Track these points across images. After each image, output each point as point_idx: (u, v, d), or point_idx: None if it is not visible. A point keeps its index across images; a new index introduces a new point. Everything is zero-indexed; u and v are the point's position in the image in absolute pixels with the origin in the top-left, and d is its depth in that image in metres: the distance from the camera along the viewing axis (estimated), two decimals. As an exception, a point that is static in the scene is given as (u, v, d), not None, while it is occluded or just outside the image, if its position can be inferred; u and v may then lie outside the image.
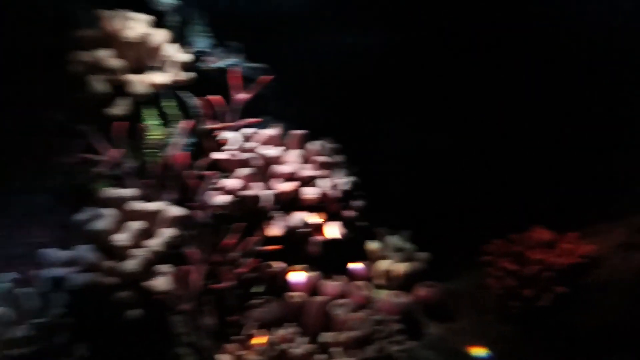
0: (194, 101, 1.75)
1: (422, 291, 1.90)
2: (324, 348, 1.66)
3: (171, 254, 1.62)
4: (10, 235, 1.56)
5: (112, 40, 1.60)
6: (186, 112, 1.75)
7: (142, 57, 1.64)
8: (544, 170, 2.11)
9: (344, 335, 1.66)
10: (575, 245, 1.88)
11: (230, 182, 1.72)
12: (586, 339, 1.71)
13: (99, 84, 1.57)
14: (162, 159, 1.66)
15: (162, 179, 1.66)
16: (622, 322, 1.64)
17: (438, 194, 2.16)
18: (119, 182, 1.61)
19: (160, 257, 1.57)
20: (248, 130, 1.78)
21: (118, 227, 1.53)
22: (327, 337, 1.68)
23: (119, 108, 1.60)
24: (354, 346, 1.65)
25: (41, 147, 1.56)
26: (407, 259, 1.98)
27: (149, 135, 1.64)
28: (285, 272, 1.81)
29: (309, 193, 1.78)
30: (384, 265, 1.94)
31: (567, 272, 1.81)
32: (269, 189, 1.76)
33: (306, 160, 1.82)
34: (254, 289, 1.80)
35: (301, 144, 1.85)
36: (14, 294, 1.45)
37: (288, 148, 1.84)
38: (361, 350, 1.63)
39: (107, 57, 1.56)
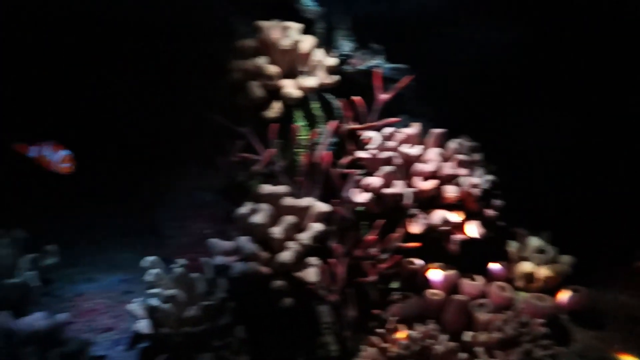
0: (337, 102, 1.84)
1: (567, 296, 1.82)
2: (466, 347, 1.67)
3: (318, 247, 1.73)
4: (181, 227, 1.76)
5: (268, 48, 1.73)
6: (330, 113, 1.84)
7: (294, 62, 1.75)
8: None
9: (487, 336, 1.65)
10: None
11: (372, 180, 1.79)
12: None
13: (256, 89, 1.71)
14: (309, 157, 1.76)
15: (309, 177, 1.77)
16: None
17: (582, 193, 2.05)
18: (273, 180, 1.75)
19: (309, 250, 1.68)
20: (388, 130, 1.83)
21: (273, 221, 1.66)
22: (468, 336, 1.69)
23: (274, 111, 1.74)
24: (498, 347, 1.63)
25: (207, 148, 1.74)
26: (549, 261, 1.91)
27: (299, 136, 1.75)
28: (424, 269, 1.84)
29: (450, 191, 1.79)
30: (525, 267, 1.89)
31: None
32: (410, 187, 1.80)
33: (446, 158, 1.83)
34: (392, 285, 1.86)
35: (440, 142, 1.86)
36: (186, 278, 1.64)
37: (427, 146, 1.86)
38: (506, 352, 1.61)
39: (265, 64, 1.70)
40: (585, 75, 2.08)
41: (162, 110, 1.85)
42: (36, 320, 1.47)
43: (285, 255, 1.62)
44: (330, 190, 1.80)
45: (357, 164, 1.88)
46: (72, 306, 1.61)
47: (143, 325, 1.58)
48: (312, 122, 1.84)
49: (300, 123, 1.82)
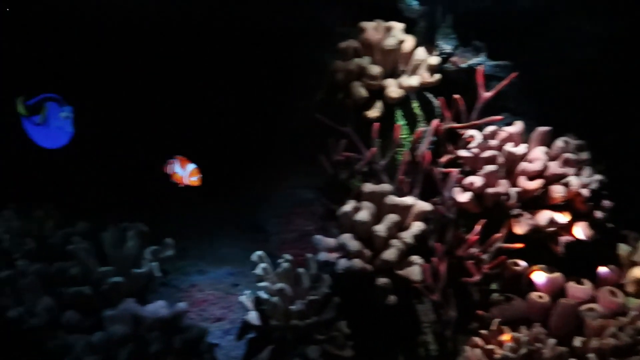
0: (437, 101, 1.83)
1: (686, 304, 1.71)
2: (575, 353, 1.61)
3: (419, 246, 1.73)
4: (284, 224, 1.82)
5: (370, 49, 1.76)
6: (430, 112, 1.84)
7: (396, 62, 1.77)
8: None
9: (600, 342, 1.58)
10: None
11: (474, 179, 1.76)
12: None
13: (359, 89, 1.74)
14: (410, 156, 1.77)
15: (410, 176, 1.77)
16: None
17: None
18: (374, 178, 1.77)
19: (411, 248, 1.69)
20: (490, 128, 1.80)
21: (376, 219, 1.69)
22: (579, 341, 1.63)
23: (375, 111, 1.76)
24: (613, 355, 1.56)
25: (309, 148, 1.80)
26: (664, 266, 1.80)
27: (401, 135, 1.76)
28: (527, 271, 1.80)
29: (557, 191, 1.73)
30: (637, 272, 1.79)
31: None
32: (513, 186, 1.76)
33: (552, 157, 1.77)
34: (494, 286, 1.82)
35: (545, 140, 1.81)
36: (292, 272, 1.70)
37: (531, 145, 1.81)
38: (621, 360, 1.54)
39: (368, 64, 1.73)
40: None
41: (268, 112, 1.92)
42: (158, 308, 1.58)
43: (390, 253, 1.63)
44: (430, 189, 1.80)
45: (455, 162, 1.87)
46: (187, 296, 1.72)
47: (253, 317, 1.66)
48: (412, 122, 1.84)
49: (401, 122, 1.83)
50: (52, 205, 1.79)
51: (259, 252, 1.70)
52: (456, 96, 1.82)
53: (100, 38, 1.84)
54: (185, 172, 1.54)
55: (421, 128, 1.76)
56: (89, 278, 1.60)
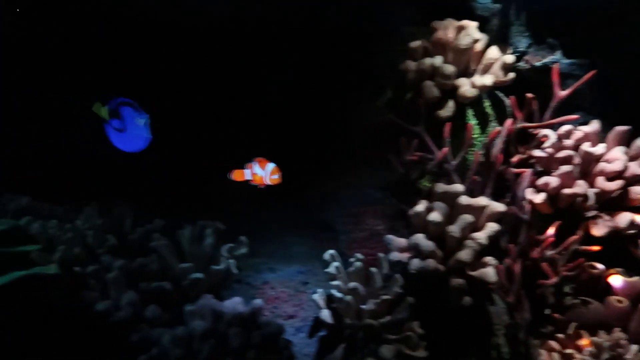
0: (508, 100, 1.80)
1: None
2: (660, 360, 1.55)
3: (492, 247, 1.71)
4: (353, 223, 1.83)
5: (442, 48, 1.75)
6: (502, 111, 1.82)
7: (469, 61, 1.75)
8: None
9: (686, 349, 1.53)
10: None
11: (550, 180, 1.73)
12: None
13: (432, 89, 1.73)
14: (482, 156, 1.75)
15: (482, 176, 1.75)
16: None
17: None
18: (444, 178, 1.76)
19: (485, 249, 1.67)
20: (565, 128, 1.76)
21: (449, 220, 1.67)
22: (663, 349, 1.57)
23: (447, 110, 1.75)
24: (701, 363, 1.50)
25: (378, 147, 1.81)
26: None
27: (473, 135, 1.75)
28: (605, 274, 1.75)
29: (638, 193, 1.68)
30: None
31: None
32: (590, 187, 1.71)
33: (632, 157, 1.72)
34: (569, 289, 1.78)
35: (624, 140, 1.76)
36: (364, 271, 1.71)
37: (609, 145, 1.76)
38: None
39: (442, 64, 1.72)
40: None
41: (336, 111, 1.94)
42: (235, 304, 1.62)
43: (465, 254, 1.62)
44: (504, 189, 1.78)
45: (527, 163, 1.84)
46: (260, 293, 1.76)
47: (325, 315, 1.67)
48: (483, 121, 1.82)
49: (472, 122, 1.81)
50: (129, 203, 1.86)
51: (331, 251, 1.71)
52: (529, 95, 1.79)
53: (174, 41, 1.90)
54: (266, 172, 1.56)
55: (497, 128, 1.73)
56: (168, 274, 1.66)
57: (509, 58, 1.73)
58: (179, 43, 1.89)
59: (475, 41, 1.71)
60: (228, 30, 1.91)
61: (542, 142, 1.76)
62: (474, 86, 1.73)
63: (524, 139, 1.85)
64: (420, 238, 1.69)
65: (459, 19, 1.79)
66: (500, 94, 1.84)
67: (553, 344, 1.66)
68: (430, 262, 1.64)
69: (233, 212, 1.89)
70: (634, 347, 1.56)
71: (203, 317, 1.60)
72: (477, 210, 1.69)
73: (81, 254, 1.64)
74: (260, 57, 1.95)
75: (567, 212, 1.77)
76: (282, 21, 1.90)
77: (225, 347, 1.48)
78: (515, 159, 1.82)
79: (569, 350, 1.61)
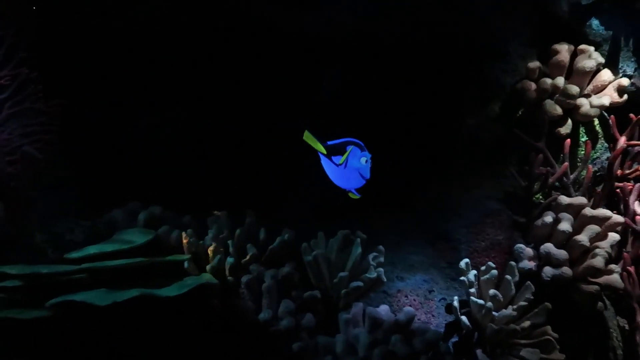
0: (610, 119, 1.95)
1: None
2: None
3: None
4: (475, 233, 1.92)
5: (560, 69, 1.88)
6: (607, 129, 1.96)
7: (585, 82, 1.89)
8: None
9: None
10: None
11: (653, 194, 1.89)
12: None
13: (554, 107, 1.86)
14: (596, 171, 1.89)
15: (598, 189, 1.89)
16: None
17: None
18: (563, 192, 1.88)
19: (610, 257, 1.79)
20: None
21: (574, 230, 1.79)
22: None
23: (567, 127, 1.88)
24: None
25: (497, 160, 1.93)
26: None
27: (589, 151, 1.88)
28: None
29: None
30: None
31: None
32: (695, 201, 1.88)
33: None
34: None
35: None
36: (496, 279, 1.79)
37: None
38: None
39: (565, 84, 1.85)
40: None
41: (454, 123, 2.04)
42: (384, 311, 1.66)
43: (598, 261, 1.74)
44: (617, 202, 1.92)
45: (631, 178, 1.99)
46: (395, 301, 1.80)
47: (465, 321, 1.74)
48: (593, 138, 1.97)
49: (585, 139, 1.95)
50: (254, 212, 1.86)
51: (466, 260, 1.79)
52: (632, 116, 1.95)
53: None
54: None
55: (620, 146, 1.87)
56: (320, 283, 1.68)
57: (625, 81, 1.88)
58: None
59: (599, 64, 1.85)
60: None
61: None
62: (592, 106, 1.87)
63: (625, 155, 2.01)
64: (551, 247, 1.80)
65: (572, 42, 1.93)
66: (605, 113, 1.99)
67: (667, 344, 1.81)
68: (565, 270, 1.75)
69: (349, 220, 1.94)
70: None
71: (357, 324, 1.64)
72: (602, 221, 1.82)
73: (234, 264, 1.63)
74: (377, 73, 2.03)
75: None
76: (394, 37, 1.99)
77: (393, 354, 1.52)
78: (626, 173, 1.96)
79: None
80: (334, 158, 1.47)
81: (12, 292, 1.45)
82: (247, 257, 1.69)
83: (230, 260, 1.62)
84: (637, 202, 1.93)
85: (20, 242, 1.56)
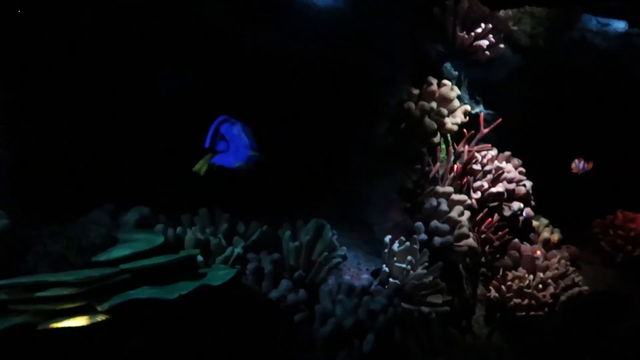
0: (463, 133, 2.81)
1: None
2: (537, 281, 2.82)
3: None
4: (384, 217, 2.50)
5: (431, 96, 2.62)
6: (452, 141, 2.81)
7: (448, 106, 2.67)
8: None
9: (548, 273, 2.83)
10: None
11: (482, 183, 2.81)
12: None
13: (432, 123, 2.58)
14: (450, 168, 2.71)
15: (458, 181, 2.71)
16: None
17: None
18: (437, 183, 2.63)
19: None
20: (487, 152, 2.88)
21: (448, 209, 2.55)
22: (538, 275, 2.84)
23: (438, 138, 2.62)
24: (554, 280, 2.82)
25: (390, 161, 2.56)
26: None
27: (441, 154, 2.68)
28: (510, 240, 2.93)
29: (520, 190, 2.92)
30: (545, 235, 3.14)
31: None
32: (502, 187, 2.87)
33: (515, 168, 2.97)
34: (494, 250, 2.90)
35: (507, 159, 2.99)
36: (410, 249, 2.40)
37: (500, 161, 2.97)
38: (556, 284, 2.81)
39: (438, 107, 2.59)
40: None
41: (357, 133, 2.57)
42: (349, 281, 2.09)
43: (465, 230, 2.53)
44: (462, 188, 2.77)
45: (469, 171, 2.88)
46: (343, 274, 2.22)
47: (393, 280, 2.29)
48: (446, 146, 2.78)
49: (443, 146, 2.74)
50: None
51: (389, 236, 2.35)
52: (468, 132, 2.85)
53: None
54: None
55: (466, 151, 2.71)
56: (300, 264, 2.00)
57: (468, 107, 2.74)
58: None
59: (457, 95, 2.66)
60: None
61: (477, 160, 2.84)
62: (452, 123, 2.67)
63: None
64: (437, 223, 2.52)
65: (436, 77, 2.70)
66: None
67: (494, 282, 2.75)
68: (449, 238, 2.49)
69: (277, 214, 2.29)
70: (531, 277, 2.79)
71: (337, 293, 2.02)
72: (462, 203, 2.63)
73: (241, 255, 1.81)
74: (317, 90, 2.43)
75: (487, 204, 2.90)
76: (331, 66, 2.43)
77: (371, 310, 1.97)
78: (464, 169, 2.84)
79: (503, 286, 2.72)
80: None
81: (54, 301, 1.35)
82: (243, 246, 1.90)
83: (238, 250, 1.81)
84: (471, 190, 2.84)
85: (35, 250, 1.41)
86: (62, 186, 1.83)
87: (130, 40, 1.98)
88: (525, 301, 2.67)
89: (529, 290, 2.69)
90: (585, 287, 2.86)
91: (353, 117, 2.64)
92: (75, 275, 1.36)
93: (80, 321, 1.33)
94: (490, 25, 2.76)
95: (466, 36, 2.70)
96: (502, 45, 2.83)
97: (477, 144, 2.91)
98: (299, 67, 2.41)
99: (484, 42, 2.71)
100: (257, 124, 1.78)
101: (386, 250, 2.37)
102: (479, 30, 2.69)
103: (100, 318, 1.36)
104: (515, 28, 2.89)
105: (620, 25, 3.48)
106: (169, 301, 1.44)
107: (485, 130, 2.90)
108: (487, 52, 2.76)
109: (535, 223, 3.21)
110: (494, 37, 2.74)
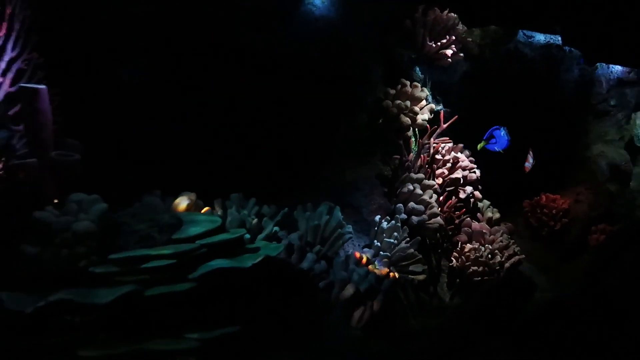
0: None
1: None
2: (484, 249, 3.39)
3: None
4: (369, 200, 2.89)
5: (404, 95, 3.04)
6: (421, 133, 3.27)
7: (416, 105, 3.11)
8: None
9: (493, 244, 3.41)
10: (561, 199, 3.97)
11: (444, 170, 3.30)
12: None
13: (406, 119, 3.00)
14: (420, 158, 3.16)
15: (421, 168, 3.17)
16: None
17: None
18: (410, 171, 3.06)
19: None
20: (446, 144, 3.37)
21: (422, 192, 3.00)
22: (486, 246, 3.41)
23: (411, 132, 3.06)
24: (499, 250, 3.41)
25: (371, 152, 2.96)
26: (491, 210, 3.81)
27: (413, 146, 3.14)
28: (466, 219, 3.46)
29: (471, 176, 3.46)
30: (488, 214, 3.72)
31: (565, 211, 3.87)
32: (460, 174, 3.38)
33: (467, 158, 3.50)
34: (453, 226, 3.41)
35: (460, 150, 3.51)
36: (393, 227, 2.81)
37: (457, 152, 3.49)
38: (502, 253, 3.40)
39: (411, 105, 3.02)
40: None
41: (341, 128, 2.93)
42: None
43: (435, 210, 2.99)
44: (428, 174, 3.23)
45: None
46: (345, 248, 2.58)
47: (384, 252, 2.69)
48: (416, 139, 3.23)
49: (414, 139, 3.19)
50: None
51: (378, 215, 2.75)
52: (428, 126, 3.32)
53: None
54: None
55: (431, 143, 3.18)
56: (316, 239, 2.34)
57: (433, 106, 3.21)
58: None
59: (426, 95, 3.11)
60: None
61: (437, 151, 3.33)
62: (422, 120, 3.12)
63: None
64: (414, 204, 2.96)
65: (406, 78, 3.13)
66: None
67: (454, 253, 3.26)
68: (424, 217, 2.94)
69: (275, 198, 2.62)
70: (482, 248, 3.33)
71: (344, 264, 2.39)
72: (431, 187, 3.10)
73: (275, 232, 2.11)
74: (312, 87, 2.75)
75: (449, 186, 3.40)
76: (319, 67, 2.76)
77: (377, 276, 2.36)
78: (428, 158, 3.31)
79: (462, 256, 3.23)
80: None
81: (155, 272, 1.57)
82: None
83: (276, 228, 2.11)
84: (434, 176, 3.33)
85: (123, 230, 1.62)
86: (116, 175, 2.00)
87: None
88: (480, 268, 3.21)
89: (483, 259, 3.24)
90: (523, 256, 3.49)
91: (336, 113, 3.00)
92: (174, 249, 1.60)
93: (180, 287, 1.57)
94: (453, 37, 3.25)
95: (433, 45, 3.16)
96: (461, 54, 3.34)
97: (438, 137, 3.40)
98: (299, 67, 2.73)
99: (449, 51, 3.20)
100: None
101: (376, 228, 2.78)
102: (444, 40, 3.16)
103: (187, 286, 1.61)
104: (469, 40, 3.42)
105: (541, 37, 4.17)
106: (246, 269, 1.72)
107: (445, 125, 3.40)
108: (449, 60, 3.25)
109: (479, 204, 3.79)
110: (455, 47, 3.24)
